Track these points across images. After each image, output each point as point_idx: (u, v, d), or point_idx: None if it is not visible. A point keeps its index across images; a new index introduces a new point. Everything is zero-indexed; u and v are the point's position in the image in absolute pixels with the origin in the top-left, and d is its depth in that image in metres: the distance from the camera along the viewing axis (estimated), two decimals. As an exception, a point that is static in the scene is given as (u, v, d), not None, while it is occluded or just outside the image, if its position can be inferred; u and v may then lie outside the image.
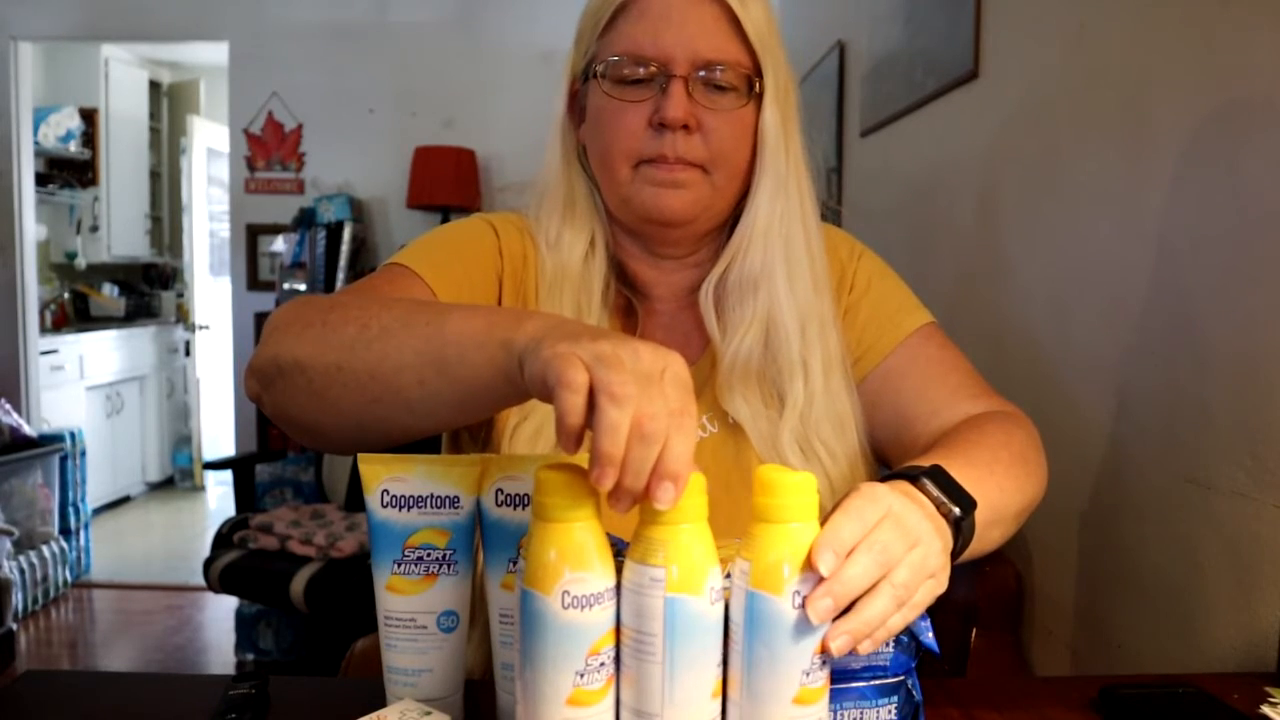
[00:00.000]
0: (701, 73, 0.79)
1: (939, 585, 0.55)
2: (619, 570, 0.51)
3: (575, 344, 0.50)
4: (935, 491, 0.60)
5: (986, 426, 0.78)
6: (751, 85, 0.81)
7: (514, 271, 0.87)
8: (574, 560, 0.49)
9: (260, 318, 3.60)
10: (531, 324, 0.56)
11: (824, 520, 0.54)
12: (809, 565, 0.50)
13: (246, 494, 2.95)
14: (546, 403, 0.50)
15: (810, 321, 0.84)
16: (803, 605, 0.50)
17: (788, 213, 0.84)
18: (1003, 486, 0.71)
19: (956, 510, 0.60)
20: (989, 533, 0.69)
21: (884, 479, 0.63)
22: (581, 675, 0.49)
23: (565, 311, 0.84)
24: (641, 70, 0.80)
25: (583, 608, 0.48)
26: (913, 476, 0.62)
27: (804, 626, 0.50)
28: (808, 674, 0.51)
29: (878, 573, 0.52)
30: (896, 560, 0.53)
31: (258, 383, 0.70)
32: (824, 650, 0.51)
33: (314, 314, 0.68)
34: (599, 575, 0.49)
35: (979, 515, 0.63)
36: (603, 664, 0.50)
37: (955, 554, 0.61)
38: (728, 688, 0.52)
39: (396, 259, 0.83)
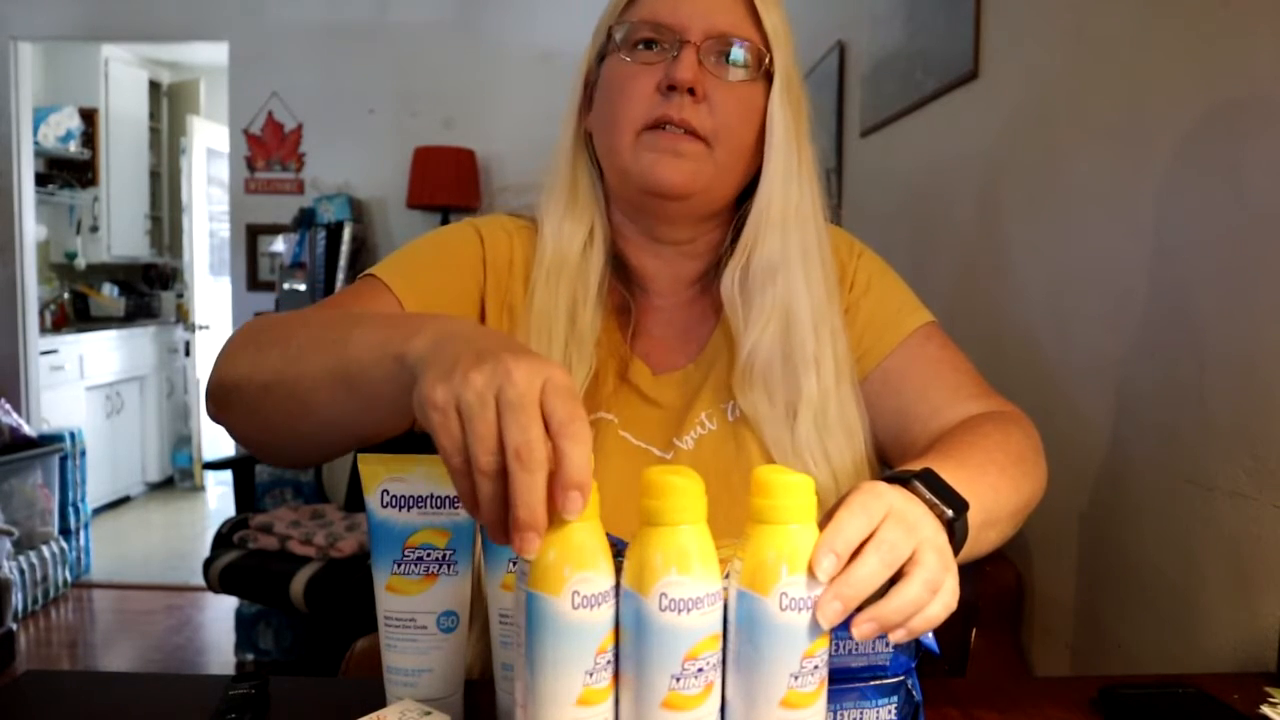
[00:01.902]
0: (714, 44, 0.81)
1: (956, 580, 0.55)
2: (618, 571, 0.51)
3: (449, 380, 0.49)
4: (927, 494, 0.61)
5: (983, 428, 0.78)
6: (761, 63, 0.82)
7: (497, 280, 0.87)
8: (579, 560, 0.48)
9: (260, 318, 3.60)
10: (421, 337, 0.55)
11: (822, 519, 0.54)
12: (804, 568, 0.50)
13: (246, 494, 2.95)
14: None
15: (823, 323, 0.84)
16: (791, 607, 0.50)
17: (802, 205, 0.84)
18: (996, 488, 0.70)
19: (949, 512, 0.60)
20: (984, 534, 0.69)
21: None
22: (590, 674, 0.49)
23: (562, 299, 0.84)
24: (654, 34, 0.82)
25: (591, 607, 0.48)
26: (904, 480, 0.62)
27: (790, 629, 0.50)
28: (796, 677, 0.50)
29: (886, 572, 0.52)
30: (903, 557, 0.53)
31: (213, 404, 0.73)
32: (832, 641, 0.51)
33: (255, 335, 0.71)
34: (603, 574, 0.49)
35: (972, 517, 0.63)
36: (609, 662, 0.50)
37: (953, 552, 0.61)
38: (726, 688, 0.52)
39: (373, 269, 0.84)
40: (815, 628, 0.50)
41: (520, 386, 0.48)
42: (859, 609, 0.52)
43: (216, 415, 0.73)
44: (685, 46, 0.80)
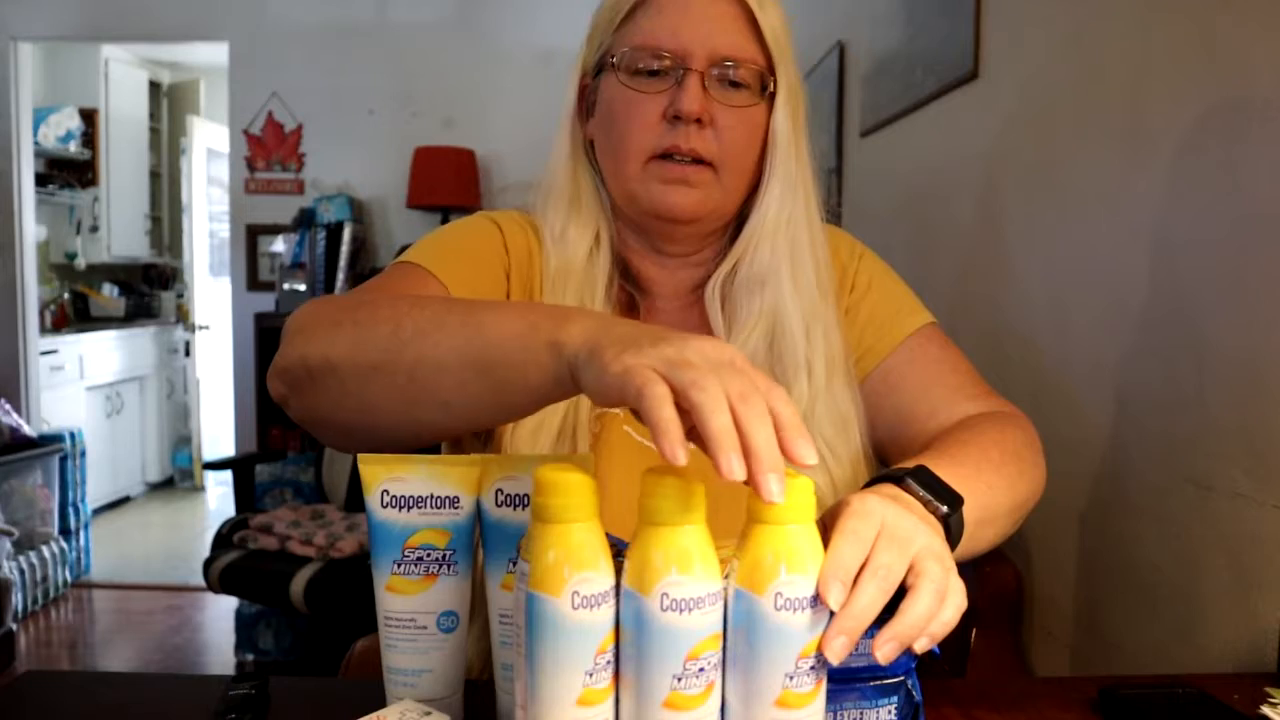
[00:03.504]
0: (717, 69, 0.80)
1: (959, 580, 0.55)
2: (618, 571, 0.51)
3: (640, 353, 0.49)
4: (920, 491, 0.61)
5: (980, 426, 0.78)
6: (765, 85, 0.82)
7: (520, 266, 0.87)
8: (579, 560, 0.48)
9: (260, 318, 3.60)
10: (576, 326, 0.55)
11: (820, 521, 0.54)
12: (800, 568, 0.50)
13: (246, 494, 2.95)
14: (611, 408, 0.50)
15: (815, 323, 0.84)
16: (786, 607, 0.49)
17: (795, 213, 0.84)
18: (992, 485, 0.71)
19: (943, 508, 0.61)
20: (981, 532, 0.69)
21: (868, 484, 0.63)
22: (590, 675, 0.49)
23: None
24: (658, 63, 0.80)
25: (591, 607, 0.48)
26: (897, 478, 0.62)
27: (785, 629, 0.50)
28: (791, 677, 0.50)
29: (884, 598, 0.52)
30: (900, 577, 0.53)
31: (285, 385, 0.69)
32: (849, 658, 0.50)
33: (341, 314, 0.67)
34: (603, 574, 0.49)
35: (968, 514, 0.63)
36: (609, 662, 0.50)
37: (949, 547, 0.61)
38: (726, 688, 0.52)
39: (406, 258, 0.83)
40: (811, 628, 0.50)
41: (714, 355, 0.49)
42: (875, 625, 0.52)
43: (287, 395, 0.69)
44: (689, 75, 0.79)
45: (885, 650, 0.51)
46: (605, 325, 0.54)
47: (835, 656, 0.50)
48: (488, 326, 0.59)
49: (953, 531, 0.61)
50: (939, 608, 0.53)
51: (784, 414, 0.48)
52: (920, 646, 0.52)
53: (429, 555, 0.61)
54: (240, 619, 2.92)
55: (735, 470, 0.45)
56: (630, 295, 0.88)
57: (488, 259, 0.86)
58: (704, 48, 0.79)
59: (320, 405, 0.67)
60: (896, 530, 0.55)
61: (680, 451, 0.46)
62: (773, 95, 0.82)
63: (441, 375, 0.60)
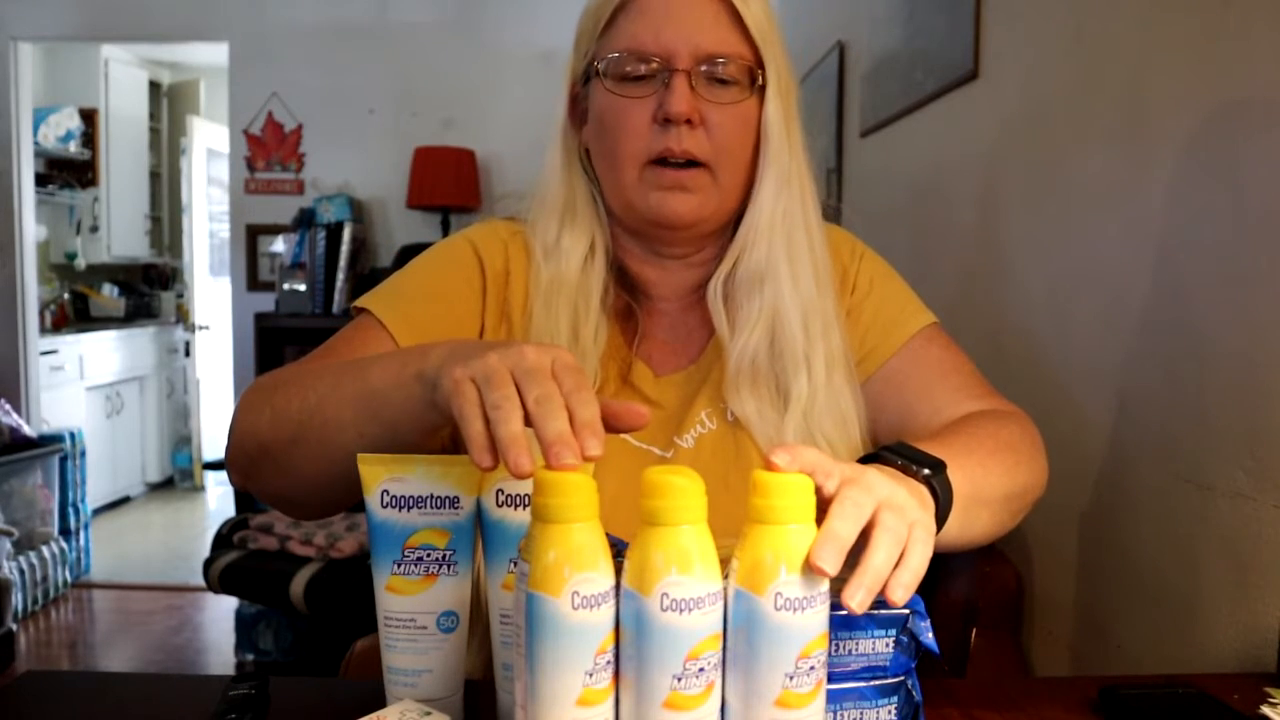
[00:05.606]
0: (704, 67, 0.80)
1: (927, 530, 0.55)
2: (618, 571, 0.51)
3: (467, 366, 0.54)
4: (898, 460, 0.61)
5: (977, 420, 0.79)
6: (754, 78, 0.81)
7: (496, 296, 0.87)
8: (579, 561, 0.48)
9: (260, 318, 3.60)
10: (434, 352, 0.60)
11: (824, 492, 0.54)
12: (800, 568, 0.50)
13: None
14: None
15: (813, 318, 0.84)
16: (786, 607, 0.49)
17: (790, 208, 0.84)
18: (985, 465, 0.70)
19: (925, 470, 0.61)
20: (975, 512, 0.69)
21: None
22: (590, 675, 0.49)
23: (562, 318, 0.84)
24: (644, 66, 0.80)
25: (591, 607, 0.48)
26: (873, 456, 0.63)
27: (784, 629, 0.50)
28: (791, 678, 0.50)
29: (897, 550, 0.52)
30: (904, 537, 0.53)
31: (238, 474, 0.76)
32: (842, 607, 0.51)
33: (262, 400, 0.73)
34: (603, 574, 0.49)
35: (960, 488, 0.63)
36: (609, 662, 0.50)
37: (941, 515, 0.61)
38: (726, 688, 0.52)
39: (370, 303, 0.84)
40: (811, 628, 0.50)
41: (532, 360, 0.54)
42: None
43: (244, 482, 0.76)
44: (675, 75, 0.79)
45: (857, 598, 0.50)
46: (458, 346, 0.59)
47: (860, 606, 0.50)
48: (371, 377, 0.64)
49: (939, 495, 0.61)
50: (898, 555, 0.52)
51: (580, 413, 0.52)
52: (897, 597, 0.51)
53: (429, 555, 0.61)
54: (240, 619, 2.92)
55: (523, 466, 0.49)
56: (627, 303, 0.88)
57: (454, 304, 0.86)
58: (688, 46, 0.79)
59: (268, 483, 0.74)
60: (894, 499, 0.54)
61: (487, 459, 0.51)
62: (763, 88, 0.82)
63: (344, 431, 0.65)
